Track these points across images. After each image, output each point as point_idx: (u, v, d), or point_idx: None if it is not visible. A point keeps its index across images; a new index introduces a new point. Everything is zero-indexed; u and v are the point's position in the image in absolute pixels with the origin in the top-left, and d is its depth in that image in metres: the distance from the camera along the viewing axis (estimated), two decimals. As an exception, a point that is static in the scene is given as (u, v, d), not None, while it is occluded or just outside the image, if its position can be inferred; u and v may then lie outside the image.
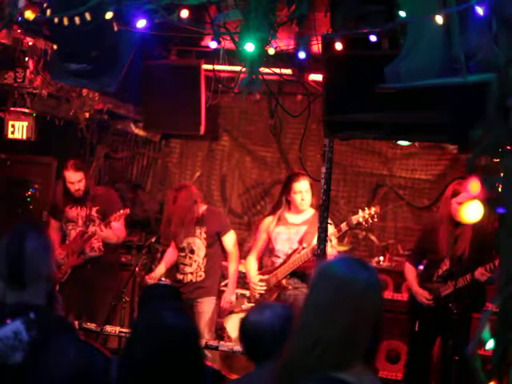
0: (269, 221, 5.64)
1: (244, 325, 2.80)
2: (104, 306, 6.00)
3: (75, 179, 5.99)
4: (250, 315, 2.85)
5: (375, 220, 5.35)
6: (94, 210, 6.09)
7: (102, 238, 6.05)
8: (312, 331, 1.89)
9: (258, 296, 5.63)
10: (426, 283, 5.45)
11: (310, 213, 5.51)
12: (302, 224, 5.50)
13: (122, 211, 6.00)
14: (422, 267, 5.71)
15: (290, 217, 5.58)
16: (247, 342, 2.80)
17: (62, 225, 6.17)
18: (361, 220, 5.26)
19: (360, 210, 5.32)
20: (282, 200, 5.57)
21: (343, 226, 5.28)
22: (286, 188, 5.54)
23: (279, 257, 5.54)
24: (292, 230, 5.52)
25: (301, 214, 5.54)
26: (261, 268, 5.80)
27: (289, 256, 5.46)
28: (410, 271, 5.60)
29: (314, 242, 4.80)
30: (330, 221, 5.30)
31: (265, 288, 5.58)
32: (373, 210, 5.28)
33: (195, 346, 2.24)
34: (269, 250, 5.70)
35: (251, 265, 5.74)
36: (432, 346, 5.51)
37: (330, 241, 5.14)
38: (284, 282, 5.46)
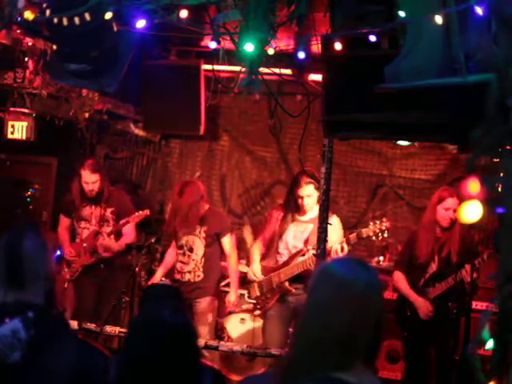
0: (280, 217, 5.59)
1: None
2: (109, 306, 6.04)
3: (90, 180, 6.03)
4: None
5: (385, 236, 5.30)
6: (109, 210, 6.13)
7: (104, 247, 6.07)
8: (312, 331, 1.89)
9: (257, 294, 5.62)
10: (413, 288, 5.48)
11: (316, 210, 5.47)
12: (309, 222, 5.46)
13: (141, 212, 6.04)
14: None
15: (298, 215, 5.55)
16: None
17: (74, 223, 6.19)
18: (371, 234, 5.22)
19: (371, 223, 5.27)
20: (291, 202, 5.55)
21: (352, 237, 5.23)
22: (291, 191, 5.54)
23: (283, 254, 5.52)
24: (300, 227, 5.49)
25: (308, 213, 5.52)
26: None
27: (292, 256, 5.44)
28: (401, 279, 5.58)
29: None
30: (337, 219, 5.35)
31: (262, 277, 5.56)
32: (384, 224, 5.23)
33: (192, 344, 2.25)
34: (274, 245, 5.65)
35: (256, 252, 5.70)
36: (427, 347, 5.53)
37: (342, 250, 5.15)
38: (287, 284, 5.44)
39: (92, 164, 6.11)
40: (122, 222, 6.07)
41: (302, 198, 5.42)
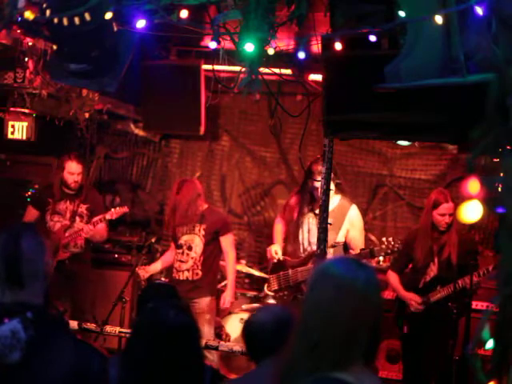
0: (297, 208, 5.68)
1: (246, 324, 3.04)
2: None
3: (76, 170, 6.14)
4: (253, 316, 3.09)
5: (395, 253, 5.44)
6: (84, 207, 6.19)
7: (90, 236, 6.14)
8: (312, 331, 1.89)
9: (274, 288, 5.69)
10: (412, 290, 5.50)
11: (334, 202, 5.44)
12: None
13: (119, 208, 6.09)
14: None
15: (315, 207, 5.58)
16: (248, 341, 3.00)
17: (47, 216, 6.20)
18: (383, 254, 5.36)
19: (384, 241, 5.36)
20: (306, 194, 5.59)
21: (364, 253, 5.32)
22: (305, 183, 5.59)
23: (299, 249, 5.62)
24: (315, 220, 5.50)
25: None
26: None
27: (309, 256, 5.48)
28: (393, 278, 5.69)
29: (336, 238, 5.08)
30: (357, 210, 5.57)
31: (278, 258, 5.66)
32: (396, 245, 5.33)
33: (194, 344, 2.25)
34: (292, 233, 5.73)
35: (278, 231, 5.85)
36: (425, 346, 5.53)
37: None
38: (303, 285, 5.47)
39: (77, 155, 6.28)
40: (99, 216, 6.10)
41: (317, 189, 5.36)
